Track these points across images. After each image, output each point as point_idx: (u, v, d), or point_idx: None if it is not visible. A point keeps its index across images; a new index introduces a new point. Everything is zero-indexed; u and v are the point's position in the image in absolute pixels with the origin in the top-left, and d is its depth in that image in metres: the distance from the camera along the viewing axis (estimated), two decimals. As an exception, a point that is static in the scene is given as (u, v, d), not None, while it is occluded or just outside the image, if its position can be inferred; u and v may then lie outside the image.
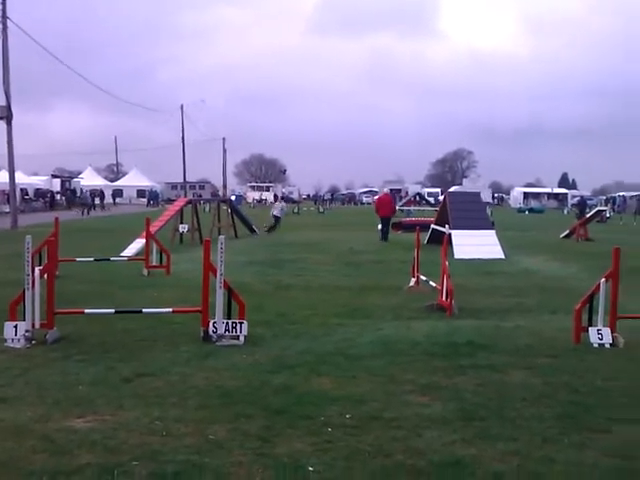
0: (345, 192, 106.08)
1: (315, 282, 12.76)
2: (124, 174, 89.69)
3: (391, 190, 37.17)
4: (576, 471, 4.14)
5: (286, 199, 52.36)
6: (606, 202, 70.18)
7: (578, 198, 56.57)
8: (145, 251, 14.20)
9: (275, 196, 62.46)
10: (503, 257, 17.53)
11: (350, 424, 4.91)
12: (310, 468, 4.14)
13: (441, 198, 37.02)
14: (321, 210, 56.10)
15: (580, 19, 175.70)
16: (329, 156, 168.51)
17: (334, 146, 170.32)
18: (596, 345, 7.46)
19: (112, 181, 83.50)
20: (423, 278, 11.49)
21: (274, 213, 28.42)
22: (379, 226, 24.56)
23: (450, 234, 18.17)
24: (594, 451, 4.47)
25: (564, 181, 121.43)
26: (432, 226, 21.32)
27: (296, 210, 50.10)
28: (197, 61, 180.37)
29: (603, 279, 7.64)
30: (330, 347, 7.33)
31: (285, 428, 4.83)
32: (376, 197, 37.40)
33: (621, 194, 79.14)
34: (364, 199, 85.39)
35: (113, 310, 8.31)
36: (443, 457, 4.30)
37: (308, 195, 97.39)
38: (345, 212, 57.24)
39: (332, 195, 77.57)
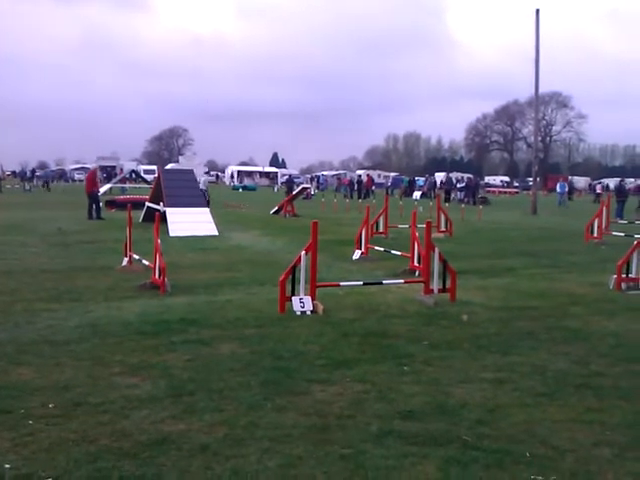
0: (55, 168, 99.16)
1: (18, 266, 11.82)
2: None
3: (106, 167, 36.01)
4: (277, 433, 4.41)
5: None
6: (311, 180, 75.34)
7: (287, 177, 60.04)
8: None
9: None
10: (217, 233, 17.95)
11: (53, 414, 4.66)
12: (7, 465, 3.85)
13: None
14: (27, 188, 51.84)
15: (292, 7, 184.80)
16: (37, 130, 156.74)
17: (43, 120, 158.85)
18: (299, 313, 8.01)
19: None
20: (136, 257, 11.29)
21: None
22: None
23: (164, 212, 18.16)
24: (294, 412, 4.81)
25: (275, 160, 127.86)
26: (147, 204, 21.02)
27: (-2, 188, 45.65)
28: None
29: (303, 252, 8.21)
30: (33, 334, 6.87)
31: (-21, 426, 4.43)
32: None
33: (324, 173, 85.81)
34: (76, 176, 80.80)
35: None
36: (150, 436, 4.30)
37: (14, 172, 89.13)
38: (55, 190, 53.62)
39: (33, 172, 70.02)
